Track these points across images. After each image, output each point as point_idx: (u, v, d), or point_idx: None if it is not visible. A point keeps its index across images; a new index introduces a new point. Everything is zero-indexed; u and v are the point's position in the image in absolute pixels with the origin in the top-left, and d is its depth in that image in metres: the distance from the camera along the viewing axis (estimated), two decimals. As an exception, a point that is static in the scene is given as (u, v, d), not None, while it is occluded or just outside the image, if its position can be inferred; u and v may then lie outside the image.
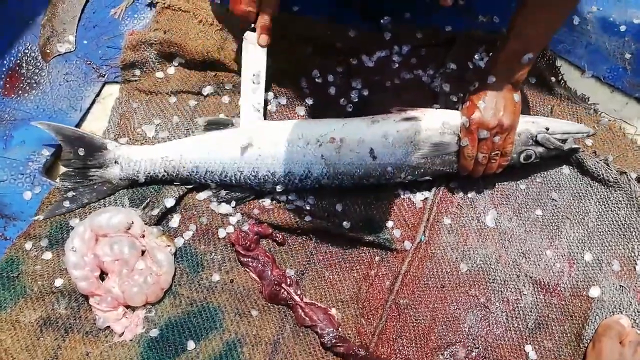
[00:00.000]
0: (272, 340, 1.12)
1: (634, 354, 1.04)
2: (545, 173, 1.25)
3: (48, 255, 1.16)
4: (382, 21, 1.33)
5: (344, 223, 1.18)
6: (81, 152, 1.19)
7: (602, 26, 1.38)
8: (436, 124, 1.16)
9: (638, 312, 1.12)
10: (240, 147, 1.17)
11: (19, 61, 1.34)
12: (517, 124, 1.15)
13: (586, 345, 1.10)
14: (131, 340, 1.11)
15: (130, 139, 1.26)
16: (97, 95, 1.34)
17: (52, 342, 1.10)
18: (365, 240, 1.18)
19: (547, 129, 1.17)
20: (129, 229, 1.15)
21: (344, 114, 1.26)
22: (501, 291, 1.16)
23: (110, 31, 1.38)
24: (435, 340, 1.12)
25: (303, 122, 1.22)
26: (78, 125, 1.31)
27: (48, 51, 1.36)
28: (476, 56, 1.31)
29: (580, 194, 1.23)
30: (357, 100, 1.29)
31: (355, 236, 1.17)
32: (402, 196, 1.23)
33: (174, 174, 1.19)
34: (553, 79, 1.32)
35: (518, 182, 1.24)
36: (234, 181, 1.18)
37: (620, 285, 1.15)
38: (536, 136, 1.17)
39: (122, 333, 1.11)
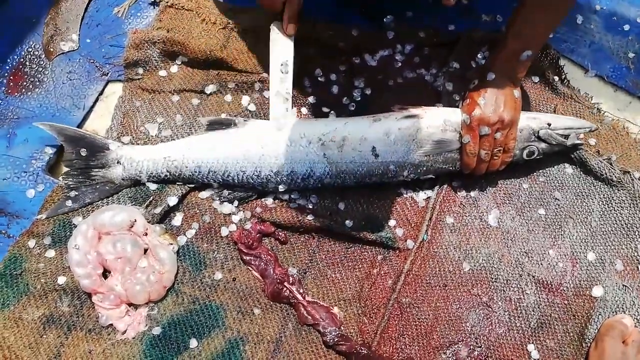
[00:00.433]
0: (275, 339, 1.12)
1: (636, 354, 1.04)
2: (548, 172, 1.25)
3: (51, 253, 1.16)
4: (384, 20, 1.33)
5: (347, 222, 1.18)
6: (83, 152, 1.19)
7: (606, 25, 1.38)
8: (437, 121, 1.16)
9: (641, 311, 1.11)
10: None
11: (22, 60, 1.35)
12: (518, 120, 1.15)
13: (589, 344, 1.10)
14: (134, 338, 1.11)
15: (133, 137, 1.27)
16: (100, 93, 1.34)
17: (55, 339, 1.10)
18: (367, 239, 1.18)
19: (549, 124, 1.17)
20: (131, 227, 1.15)
21: (347, 113, 1.27)
22: (504, 290, 1.15)
23: (114, 30, 1.39)
24: (437, 339, 1.12)
25: (305, 121, 1.22)
26: (81, 123, 1.31)
27: (51, 50, 1.37)
28: (479, 55, 1.31)
29: (584, 193, 1.23)
30: (359, 99, 1.29)
31: (357, 235, 1.17)
32: (404, 195, 1.23)
33: (177, 174, 1.20)
34: (556, 77, 1.32)
35: (521, 181, 1.24)
36: (236, 181, 1.18)
37: (623, 285, 1.15)
38: (538, 132, 1.17)
39: (125, 331, 1.11)
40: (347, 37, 1.32)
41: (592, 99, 1.32)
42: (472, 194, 1.23)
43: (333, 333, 1.11)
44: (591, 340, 1.10)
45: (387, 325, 1.13)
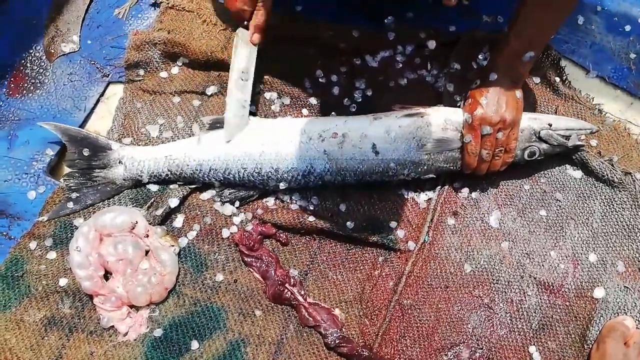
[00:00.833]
0: (276, 341, 1.12)
1: (638, 355, 1.04)
2: (549, 173, 1.25)
3: (52, 254, 1.16)
4: (385, 21, 1.33)
5: (348, 223, 1.18)
6: (86, 152, 1.20)
7: (607, 26, 1.38)
8: (438, 120, 1.16)
9: (643, 313, 1.11)
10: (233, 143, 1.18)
11: (23, 61, 1.35)
12: (520, 120, 1.15)
13: (590, 346, 1.10)
14: (135, 339, 1.11)
15: (134, 138, 1.27)
16: (101, 95, 1.34)
17: (57, 341, 1.10)
18: (369, 240, 1.18)
19: (550, 125, 1.17)
20: (133, 228, 1.15)
21: (348, 114, 1.26)
22: (505, 292, 1.15)
23: (114, 31, 1.38)
24: (439, 340, 1.12)
25: (305, 119, 1.22)
26: (82, 125, 1.31)
27: (52, 51, 1.37)
28: (480, 56, 1.31)
29: (585, 195, 1.23)
30: (360, 100, 1.29)
31: (358, 236, 1.17)
32: (405, 196, 1.22)
33: (178, 173, 1.20)
34: (557, 79, 1.31)
35: (522, 182, 1.24)
36: (237, 179, 1.18)
37: (625, 286, 1.15)
38: (539, 132, 1.17)
39: (126, 333, 1.11)
40: (348, 38, 1.32)
41: (593, 100, 1.32)
42: (473, 195, 1.23)
43: (334, 335, 1.11)
44: (593, 341, 1.10)
45: (389, 327, 1.13)
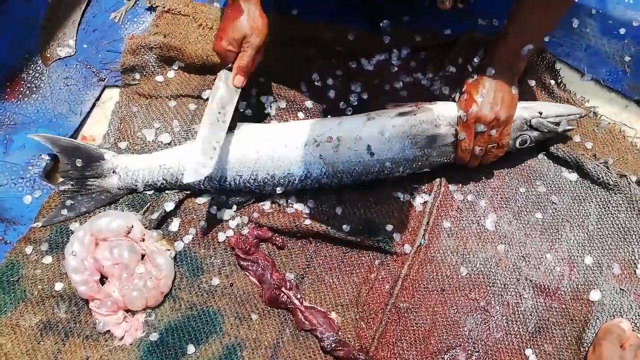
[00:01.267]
0: (272, 344, 1.12)
1: (634, 358, 1.04)
2: (545, 176, 1.25)
3: (48, 259, 1.16)
4: (381, 25, 1.34)
5: (344, 226, 1.18)
6: (79, 163, 1.19)
7: (602, 29, 1.38)
8: (431, 116, 1.17)
9: (638, 315, 1.11)
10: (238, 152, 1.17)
11: (19, 65, 1.35)
12: (514, 117, 1.16)
13: (587, 349, 1.10)
14: (131, 344, 1.11)
15: (130, 142, 1.27)
16: (97, 99, 1.34)
17: (52, 346, 1.10)
18: (365, 243, 1.18)
19: (541, 113, 1.19)
20: (128, 232, 1.15)
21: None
22: (501, 295, 1.15)
23: (110, 35, 1.39)
24: (435, 344, 1.12)
25: (299, 123, 1.22)
26: (78, 129, 1.31)
27: (48, 55, 1.37)
28: (475, 59, 1.31)
29: (580, 197, 1.23)
30: (356, 103, 1.29)
31: (355, 240, 1.17)
32: (401, 199, 1.22)
33: (173, 182, 1.19)
34: (552, 82, 1.32)
35: (518, 185, 1.24)
36: (233, 186, 1.18)
37: (621, 289, 1.15)
38: (530, 121, 1.19)
39: (122, 337, 1.11)
40: (344, 41, 1.32)
41: (588, 103, 1.32)
42: (469, 198, 1.23)
43: (331, 338, 1.11)
44: (589, 344, 1.10)
45: (385, 330, 1.12)
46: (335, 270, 1.18)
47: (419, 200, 1.22)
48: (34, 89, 1.33)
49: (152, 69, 1.33)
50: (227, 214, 1.20)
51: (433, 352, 1.11)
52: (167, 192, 1.21)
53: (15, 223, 1.22)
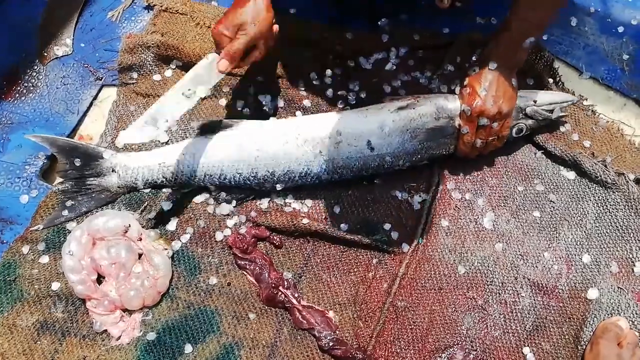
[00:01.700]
0: (270, 344, 1.11)
1: (632, 356, 1.04)
2: (543, 175, 1.25)
3: (45, 259, 1.16)
4: (379, 23, 1.33)
5: (342, 225, 1.18)
6: (77, 162, 1.18)
7: (600, 27, 1.38)
8: (430, 109, 1.17)
9: (636, 313, 1.11)
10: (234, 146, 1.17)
11: (16, 64, 1.34)
12: (514, 109, 1.17)
13: (584, 347, 1.10)
14: (128, 343, 1.10)
15: (127, 142, 1.26)
16: (95, 98, 1.34)
17: (49, 346, 1.10)
18: (362, 242, 1.17)
19: (535, 101, 1.21)
20: (126, 232, 1.14)
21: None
22: (499, 293, 1.15)
23: (108, 34, 1.38)
24: (433, 342, 1.12)
25: (299, 120, 1.22)
26: (75, 128, 1.31)
27: (45, 54, 1.36)
28: (474, 58, 1.31)
29: (578, 196, 1.23)
30: (354, 102, 1.29)
31: (352, 238, 1.17)
32: (399, 198, 1.22)
33: (173, 179, 1.19)
34: (551, 80, 1.32)
35: (516, 183, 1.24)
36: (233, 183, 1.18)
37: (619, 287, 1.15)
38: (525, 110, 1.20)
39: (119, 337, 1.11)
40: (342, 40, 1.32)
41: (586, 101, 1.32)
42: (467, 196, 1.23)
43: (328, 337, 1.11)
44: (586, 342, 1.10)
45: (383, 329, 1.12)
46: (333, 269, 1.17)
47: (417, 199, 1.22)
48: (31, 88, 1.33)
49: (150, 68, 1.32)
50: (228, 209, 1.20)
51: (431, 350, 1.11)
52: (164, 191, 1.21)
53: (12, 222, 1.22)
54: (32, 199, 1.23)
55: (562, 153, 1.24)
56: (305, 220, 1.18)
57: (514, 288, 1.15)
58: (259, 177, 1.17)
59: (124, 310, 1.13)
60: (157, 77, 1.32)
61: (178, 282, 1.16)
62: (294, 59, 1.32)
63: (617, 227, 1.19)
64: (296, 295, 1.14)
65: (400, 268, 1.16)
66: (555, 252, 1.18)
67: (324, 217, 1.20)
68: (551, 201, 1.23)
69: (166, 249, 1.16)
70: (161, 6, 1.38)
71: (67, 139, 1.23)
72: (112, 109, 1.30)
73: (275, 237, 1.19)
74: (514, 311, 1.14)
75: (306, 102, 1.30)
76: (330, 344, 1.10)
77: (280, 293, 1.14)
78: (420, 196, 1.22)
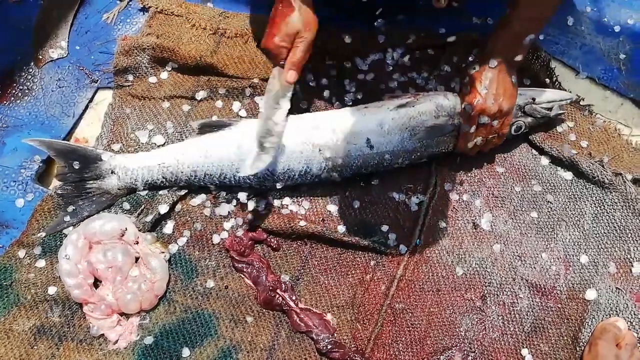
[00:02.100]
0: (268, 347, 1.11)
1: (630, 357, 1.04)
2: (540, 175, 1.25)
3: (41, 263, 1.15)
4: (375, 24, 1.33)
5: (339, 227, 1.18)
6: (76, 165, 1.17)
7: (597, 27, 1.38)
8: (430, 107, 1.17)
9: (634, 314, 1.11)
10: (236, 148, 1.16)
11: (11, 67, 1.34)
12: (514, 106, 1.17)
13: (582, 348, 1.10)
14: (125, 347, 1.10)
15: (123, 144, 1.26)
16: (90, 101, 1.33)
17: (46, 350, 1.09)
18: (360, 244, 1.17)
19: (534, 99, 1.21)
20: (122, 235, 1.14)
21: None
22: (497, 294, 1.15)
23: (103, 36, 1.38)
24: (431, 344, 1.11)
25: (298, 118, 1.21)
26: (71, 131, 1.30)
27: (40, 57, 1.36)
28: (470, 58, 1.31)
29: (576, 196, 1.23)
30: (351, 103, 1.29)
31: (350, 240, 1.17)
32: (397, 200, 1.22)
33: (173, 180, 1.19)
34: (547, 80, 1.31)
35: (513, 184, 1.24)
36: (233, 182, 1.18)
37: (617, 288, 1.14)
38: (524, 107, 1.20)
39: (116, 341, 1.10)
40: (338, 41, 1.32)
41: (583, 101, 1.32)
42: (465, 197, 1.23)
43: (326, 340, 1.10)
44: (585, 343, 1.10)
45: (381, 332, 1.12)
46: (331, 271, 1.17)
47: (414, 200, 1.22)
48: (26, 91, 1.32)
49: (145, 70, 1.32)
50: (227, 209, 1.19)
51: (429, 352, 1.11)
52: (160, 194, 1.20)
53: (7, 227, 1.21)
54: (27, 202, 1.22)
55: (559, 153, 1.24)
56: (302, 223, 1.17)
57: (512, 289, 1.15)
58: (259, 176, 1.16)
59: (121, 314, 1.12)
60: (152, 79, 1.31)
61: (175, 286, 1.15)
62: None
63: (615, 227, 1.19)
64: (294, 298, 1.14)
65: (398, 270, 1.16)
66: (553, 253, 1.18)
67: (321, 219, 1.20)
68: (549, 202, 1.22)
69: (163, 252, 1.15)
70: (156, 8, 1.38)
71: (65, 142, 1.22)
72: (108, 112, 1.30)
73: (272, 240, 1.19)
74: (512, 312, 1.14)
75: (302, 104, 1.29)
76: (328, 346, 1.10)
77: (277, 296, 1.13)
78: (417, 197, 1.22)
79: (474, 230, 1.20)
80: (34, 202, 1.21)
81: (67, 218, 1.17)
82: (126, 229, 1.14)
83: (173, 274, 1.16)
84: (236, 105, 1.29)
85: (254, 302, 1.14)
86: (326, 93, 1.30)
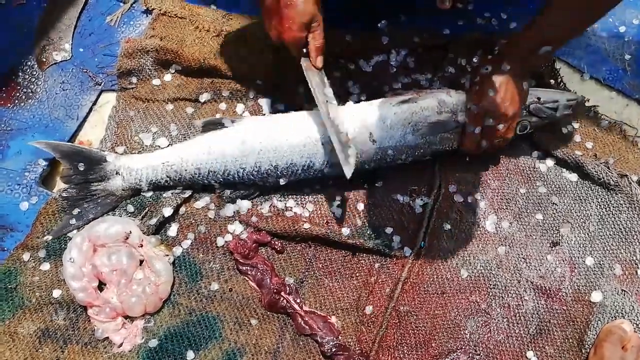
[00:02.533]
0: (272, 350, 1.11)
1: (636, 359, 1.03)
2: (545, 177, 1.24)
3: (46, 266, 1.15)
4: (379, 25, 1.33)
5: (343, 230, 1.18)
6: (81, 167, 1.17)
7: (602, 27, 1.37)
8: (432, 103, 1.17)
9: (640, 316, 1.11)
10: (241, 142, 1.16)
11: (14, 70, 1.34)
12: (520, 111, 1.16)
13: (588, 350, 1.09)
14: (130, 350, 1.10)
15: (127, 147, 1.26)
16: (94, 103, 1.33)
17: (51, 353, 1.09)
18: (364, 247, 1.17)
19: (539, 98, 1.20)
20: (127, 238, 1.14)
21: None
22: (502, 297, 1.15)
23: (107, 39, 1.38)
24: (436, 347, 1.11)
25: (300, 114, 1.20)
26: (75, 134, 1.30)
27: (44, 60, 1.36)
28: (474, 59, 1.30)
29: (581, 198, 1.22)
30: (354, 105, 1.28)
31: (354, 243, 1.16)
32: (401, 202, 1.22)
33: (177, 179, 1.19)
34: (552, 81, 1.31)
35: (518, 186, 1.24)
36: (237, 178, 1.18)
37: (622, 290, 1.14)
38: (529, 107, 1.19)
39: (121, 344, 1.10)
40: (342, 42, 1.31)
41: (588, 102, 1.31)
42: (469, 199, 1.22)
43: (331, 343, 1.10)
44: (590, 346, 1.09)
45: (386, 334, 1.12)
46: (335, 274, 1.17)
47: (418, 203, 1.22)
48: (30, 94, 1.32)
49: (149, 73, 1.32)
50: (232, 209, 1.19)
51: (434, 355, 1.11)
52: (164, 196, 1.20)
53: (12, 230, 1.21)
54: (32, 205, 1.22)
55: (564, 155, 1.23)
56: (306, 225, 1.17)
57: (517, 291, 1.15)
58: (262, 172, 1.16)
59: (126, 317, 1.12)
60: (156, 81, 1.31)
61: (179, 288, 1.15)
62: (293, 62, 1.31)
63: (620, 229, 1.19)
64: (298, 300, 1.14)
65: (402, 272, 1.16)
66: (558, 255, 1.18)
67: (325, 221, 1.19)
68: (554, 203, 1.22)
69: (167, 255, 1.15)
70: (160, 10, 1.38)
71: (70, 144, 1.22)
72: (112, 114, 1.30)
73: (276, 242, 1.18)
74: (518, 315, 1.13)
75: (306, 106, 1.29)
76: (333, 349, 1.10)
77: (282, 298, 1.13)
78: (422, 199, 1.22)
79: (479, 233, 1.20)
80: (38, 205, 1.21)
81: (73, 221, 1.17)
82: (130, 232, 1.14)
83: (177, 276, 1.16)
84: (240, 107, 1.29)
85: (259, 305, 1.14)
86: (330, 95, 1.29)
